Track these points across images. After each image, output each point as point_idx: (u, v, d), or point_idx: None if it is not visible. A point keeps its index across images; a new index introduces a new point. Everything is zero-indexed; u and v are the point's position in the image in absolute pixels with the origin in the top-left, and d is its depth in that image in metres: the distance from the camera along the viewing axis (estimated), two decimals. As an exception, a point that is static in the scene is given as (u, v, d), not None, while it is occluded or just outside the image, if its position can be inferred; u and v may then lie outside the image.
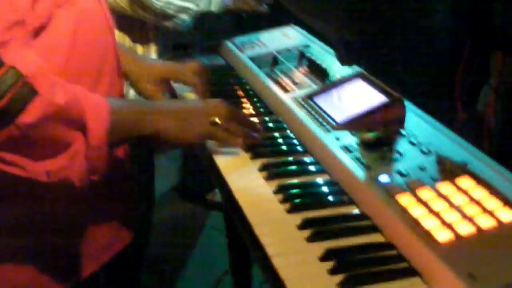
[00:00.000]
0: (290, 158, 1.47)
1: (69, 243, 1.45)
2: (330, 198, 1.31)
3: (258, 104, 1.76)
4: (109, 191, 1.48)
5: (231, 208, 1.34)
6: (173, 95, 1.87)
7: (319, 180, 1.38)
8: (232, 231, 2.44)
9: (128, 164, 1.58)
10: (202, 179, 3.90)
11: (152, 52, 2.26)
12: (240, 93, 1.84)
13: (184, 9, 2.11)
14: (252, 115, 1.68)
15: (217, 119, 1.42)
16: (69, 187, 1.23)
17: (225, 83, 1.91)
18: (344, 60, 1.64)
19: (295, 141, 1.55)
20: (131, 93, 1.92)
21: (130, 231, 1.60)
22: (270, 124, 1.64)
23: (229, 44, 2.16)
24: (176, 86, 1.86)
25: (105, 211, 1.51)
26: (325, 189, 1.35)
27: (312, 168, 1.43)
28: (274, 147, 1.52)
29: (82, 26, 1.35)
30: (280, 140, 1.56)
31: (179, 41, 2.70)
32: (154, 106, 1.45)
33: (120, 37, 2.12)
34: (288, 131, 1.60)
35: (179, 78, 1.82)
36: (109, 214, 1.53)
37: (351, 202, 1.29)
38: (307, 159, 1.47)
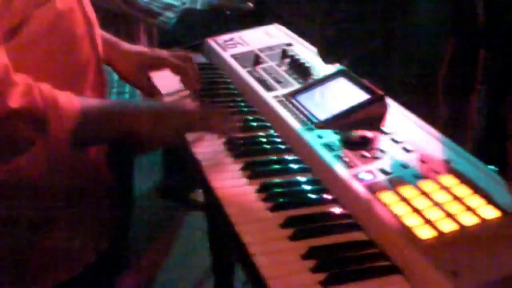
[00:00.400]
0: (273, 157, 1.46)
1: (46, 245, 1.43)
2: (312, 196, 1.30)
3: (241, 103, 1.75)
4: (87, 194, 1.47)
5: (214, 207, 1.33)
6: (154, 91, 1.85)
7: (302, 178, 1.37)
8: (214, 231, 2.43)
9: (106, 167, 1.56)
10: (184, 179, 3.88)
11: None
12: (223, 91, 1.83)
13: (169, 6, 2.10)
14: (234, 113, 1.67)
15: (196, 114, 1.43)
16: (30, 184, 1.23)
17: (207, 82, 1.90)
18: (326, 58, 1.63)
19: (277, 140, 1.54)
20: (115, 78, 1.91)
21: (108, 235, 1.59)
22: (253, 123, 1.63)
23: (211, 42, 2.15)
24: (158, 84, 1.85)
25: (82, 214, 1.49)
26: (307, 187, 1.34)
27: (294, 166, 1.42)
28: (256, 146, 1.51)
29: (60, 26, 1.34)
30: (263, 139, 1.55)
31: (163, 38, 2.69)
32: (128, 107, 1.43)
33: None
34: (271, 130, 1.59)
35: (165, 65, 1.80)
36: (87, 217, 1.51)
37: (334, 200, 1.28)
38: (289, 157, 1.46)
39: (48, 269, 1.44)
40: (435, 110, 1.92)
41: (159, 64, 1.82)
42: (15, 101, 1.15)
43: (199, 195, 3.83)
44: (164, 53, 1.84)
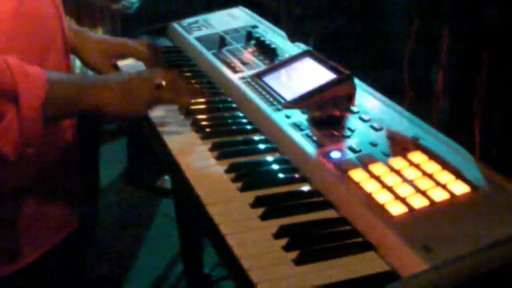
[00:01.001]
0: (241, 138, 1.45)
1: (14, 226, 1.41)
2: (282, 175, 1.30)
3: (207, 85, 1.73)
4: (56, 174, 1.45)
5: (183, 189, 1.31)
6: None
7: (270, 158, 1.36)
8: (182, 215, 2.41)
9: (75, 147, 1.55)
10: (150, 166, 3.85)
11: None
12: (189, 74, 1.81)
13: None
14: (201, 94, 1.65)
15: (161, 81, 1.40)
16: (2, 161, 1.20)
17: (173, 64, 1.88)
18: (293, 36, 1.63)
19: (245, 120, 1.53)
20: (78, 64, 1.88)
21: (77, 215, 1.58)
22: (220, 105, 1.61)
23: (176, 25, 2.13)
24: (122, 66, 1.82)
25: (52, 195, 1.48)
26: (276, 167, 1.33)
27: (263, 146, 1.41)
28: (224, 127, 1.50)
29: (25, 4, 1.31)
30: (230, 120, 1.54)
31: (126, 24, 2.65)
32: (96, 80, 1.41)
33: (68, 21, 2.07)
34: (237, 111, 1.57)
35: (131, 52, 1.78)
36: (56, 198, 1.50)
37: (303, 179, 1.28)
38: (257, 138, 1.45)
39: (16, 251, 1.42)
40: (401, 90, 1.92)
41: (124, 51, 1.80)
42: None
43: (165, 182, 3.81)
44: (129, 41, 1.82)
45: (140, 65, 1.77)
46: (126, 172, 3.93)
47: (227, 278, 2.39)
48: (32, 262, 1.45)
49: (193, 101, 1.55)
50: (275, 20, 2.02)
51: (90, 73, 2.19)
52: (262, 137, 1.44)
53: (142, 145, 3.83)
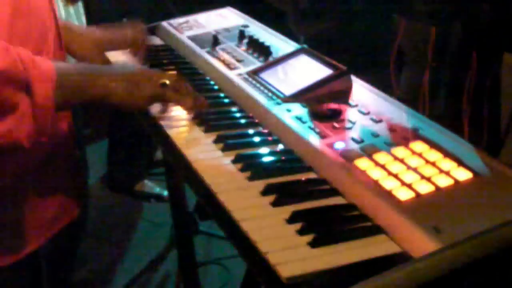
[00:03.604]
0: (244, 130, 1.48)
1: (14, 217, 1.44)
2: (288, 165, 1.33)
3: (203, 82, 1.76)
4: (54, 164, 1.47)
5: (190, 180, 1.34)
6: None
7: (275, 149, 1.40)
8: (177, 206, 2.42)
9: (72, 138, 1.57)
10: (130, 170, 3.86)
11: None
12: (186, 71, 1.83)
13: None
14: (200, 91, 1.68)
15: (166, 81, 1.42)
16: (17, 149, 1.22)
17: (168, 62, 1.90)
18: (299, 27, 1.67)
19: (246, 114, 1.56)
20: (72, 61, 1.89)
21: (77, 205, 1.60)
22: (218, 100, 1.64)
23: (166, 25, 2.15)
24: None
25: (50, 185, 1.51)
26: (282, 157, 1.37)
27: (266, 138, 1.44)
28: (226, 120, 1.53)
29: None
30: (232, 114, 1.57)
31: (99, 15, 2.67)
32: (103, 70, 1.44)
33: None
34: (236, 107, 1.61)
35: (115, 45, 1.81)
36: (55, 187, 1.52)
37: (309, 169, 1.31)
38: (260, 130, 1.48)
39: (15, 242, 1.45)
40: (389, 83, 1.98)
41: (112, 44, 1.82)
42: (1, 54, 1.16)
43: (144, 186, 3.82)
44: (117, 32, 1.83)
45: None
46: (106, 176, 3.93)
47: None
48: (26, 256, 1.47)
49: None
50: (266, 19, 2.06)
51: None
52: (265, 130, 1.47)
53: (122, 149, 3.85)
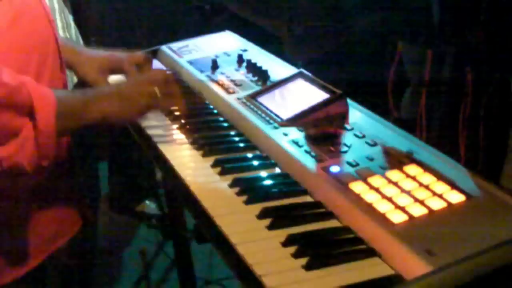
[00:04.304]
0: (242, 154, 1.51)
1: (13, 235, 1.47)
2: (284, 189, 1.35)
3: (202, 106, 1.79)
4: (53, 184, 1.50)
5: (188, 203, 1.36)
6: None
7: (272, 173, 1.42)
8: (176, 227, 2.44)
9: (71, 158, 1.59)
10: (130, 191, 3.88)
11: None
12: (185, 95, 1.85)
13: None
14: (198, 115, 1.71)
15: (155, 89, 1.47)
16: (20, 174, 1.25)
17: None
18: (294, 52, 1.70)
19: (243, 138, 1.58)
20: (75, 79, 1.92)
21: (75, 224, 1.62)
22: (216, 124, 1.67)
23: (166, 49, 2.18)
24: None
25: (49, 203, 1.53)
26: (278, 181, 1.39)
27: (263, 162, 1.46)
28: (224, 144, 1.56)
29: (20, 17, 1.37)
30: (229, 138, 1.59)
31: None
32: (96, 93, 1.48)
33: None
34: (234, 131, 1.63)
35: (120, 68, 1.84)
36: (53, 206, 1.55)
37: (305, 192, 1.34)
38: (257, 154, 1.50)
39: (15, 260, 1.47)
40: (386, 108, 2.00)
41: (116, 68, 1.85)
42: (8, 79, 1.21)
43: (146, 207, 3.83)
44: (122, 56, 1.86)
45: None
46: (107, 197, 3.95)
47: None
48: (35, 267, 1.49)
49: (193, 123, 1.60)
50: (263, 42, 2.09)
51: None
52: (262, 154, 1.49)
53: (122, 171, 3.86)
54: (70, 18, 2.45)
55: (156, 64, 2.14)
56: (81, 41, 2.50)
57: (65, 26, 2.31)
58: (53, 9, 2.23)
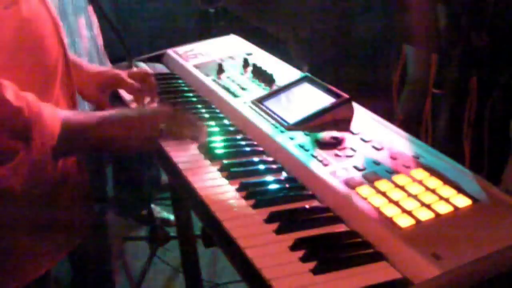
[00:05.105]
0: (249, 159, 1.52)
1: (21, 244, 1.46)
2: (291, 193, 1.36)
3: (208, 110, 1.80)
4: (61, 192, 1.50)
5: (196, 208, 1.37)
6: (122, 102, 1.89)
7: (279, 177, 1.43)
8: (183, 231, 2.45)
9: (79, 168, 1.60)
10: (136, 195, 3.89)
11: None
12: (191, 99, 1.87)
13: None
14: (203, 120, 1.72)
15: (161, 126, 1.45)
16: (10, 196, 1.25)
17: (173, 90, 1.94)
18: (299, 56, 1.71)
19: (250, 142, 1.59)
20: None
21: (82, 232, 1.62)
22: (223, 129, 1.68)
23: (172, 53, 2.20)
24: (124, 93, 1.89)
25: (55, 213, 1.53)
26: (285, 185, 1.40)
27: (270, 166, 1.47)
28: (231, 149, 1.56)
29: (27, 27, 1.37)
30: (236, 142, 1.60)
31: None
32: (100, 118, 1.45)
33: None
34: (241, 135, 1.64)
35: (121, 84, 1.83)
36: (60, 216, 1.55)
37: (312, 196, 1.34)
38: (264, 158, 1.51)
39: (22, 268, 1.47)
40: (390, 111, 2.01)
41: (115, 84, 1.86)
42: (11, 98, 1.20)
43: (151, 211, 3.84)
44: (122, 73, 1.87)
45: None
46: (114, 200, 3.95)
47: None
48: (32, 281, 1.50)
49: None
50: (269, 46, 2.10)
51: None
52: (270, 158, 1.50)
53: (127, 175, 3.87)
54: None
55: (161, 68, 2.15)
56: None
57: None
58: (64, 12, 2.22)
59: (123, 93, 1.88)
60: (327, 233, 1.21)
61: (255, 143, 1.58)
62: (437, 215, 1.18)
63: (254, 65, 1.94)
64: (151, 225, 3.59)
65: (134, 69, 2.04)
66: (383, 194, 1.26)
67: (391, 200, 1.24)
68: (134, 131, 1.43)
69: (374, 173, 1.33)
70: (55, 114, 1.31)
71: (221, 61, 2.05)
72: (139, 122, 1.46)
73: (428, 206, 1.21)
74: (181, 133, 1.51)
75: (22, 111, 1.23)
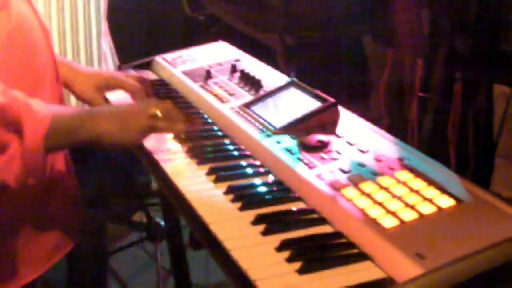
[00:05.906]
0: (236, 162, 1.53)
1: (11, 249, 1.47)
2: (278, 195, 1.38)
3: (196, 116, 1.81)
4: (51, 197, 1.51)
5: (183, 211, 1.38)
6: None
7: (265, 180, 1.44)
8: (172, 236, 2.46)
9: (70, 170, 1.61)
10: (126, 201, 3.89)
11: None
12: (180, 105, 1.88)
13: None
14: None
15: (157, 112, 1.46)
16: (4, 189, 1.26)
17: (163, 97, 1.96)
18: (286, 62, 1.72)
19: (237, 147, 1.61)
20: (72, 99, 1.94)
21: (73, 237, 1.63)
22: (211, 133, 1.69)
23: (160, 59, 2.21)
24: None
25: (49, 217, 1.55)
26: (272, 188, 1.41)
27: (257, 170, 1.49)
28: (219, 153, 1.58)
29: (18, 30, 1.39)
30: (223, 146, 1.62)
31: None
32: (93, 112, 1.46)
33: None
34: (228, 140, 1.65)
35: (120, 85, 1.84)
36: (54, 220, 1.56)
37: (298, 198, 1.36)
38: (251, 162, 1.53)
39: (14, 269, 1.48)
40: (376, 114, 2.03)
41: (114, 84, 1.86)
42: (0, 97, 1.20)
43: (142, 217, 3.84)
44: (118, 73, 1.89)
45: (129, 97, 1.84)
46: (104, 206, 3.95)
47: None
48: (31, 281, 1.51)
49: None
50: (256, 52, 2.12)
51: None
52: (256, 162, 1.52)
53: (117, 181, 3.87)
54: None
55: (150, 74, 2.16)
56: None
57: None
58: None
59: (112, 97, 1.89)
60: (312, 234, 1.23)
61: (243, 147, 1.60)
62: (421, 215, 1.20)
63: (242, 71, 1.96)
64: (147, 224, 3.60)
65: (132, 72, 2.06)
66: (368, 195, 1.28)
67: (375, 202, 1.25)
68: (128, 124, 1.43)
69: (359, 175, 1.35)
70: (44, 106, 1.31)
71: (209, 67, 2.06)
72: (131, 113, 1.46)
73: (412, 207, 1.22)
74: (176, 118, 1.51)
75: (11, 104, 1.23)
